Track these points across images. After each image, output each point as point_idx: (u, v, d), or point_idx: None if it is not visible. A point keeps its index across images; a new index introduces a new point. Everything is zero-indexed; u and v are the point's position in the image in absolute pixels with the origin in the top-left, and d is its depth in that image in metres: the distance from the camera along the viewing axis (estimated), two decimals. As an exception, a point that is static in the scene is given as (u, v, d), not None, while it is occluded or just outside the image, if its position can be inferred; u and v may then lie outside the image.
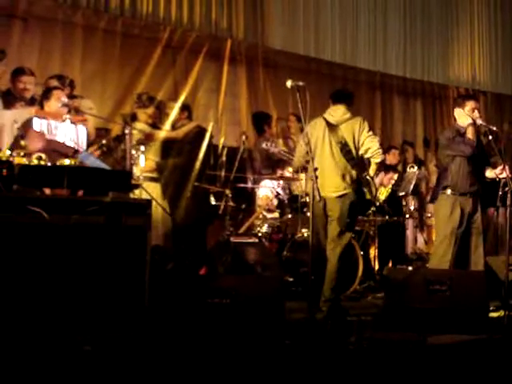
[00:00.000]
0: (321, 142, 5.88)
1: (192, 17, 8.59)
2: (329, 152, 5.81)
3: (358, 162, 5.86)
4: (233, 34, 8.96)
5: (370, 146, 5.81)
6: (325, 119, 5.92)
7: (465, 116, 6.00)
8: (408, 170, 8.71)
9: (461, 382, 3.78)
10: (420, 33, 11.37)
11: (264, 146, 6.86)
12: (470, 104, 6.06)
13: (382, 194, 8.48)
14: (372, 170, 5.97)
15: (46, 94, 5.89)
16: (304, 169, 6.46)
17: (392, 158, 9.15)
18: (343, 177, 5.75)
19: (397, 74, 11.05)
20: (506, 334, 4.98)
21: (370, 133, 5.87)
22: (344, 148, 5.79)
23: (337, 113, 5.88)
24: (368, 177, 5.96)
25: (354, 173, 5.81)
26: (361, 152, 5.85)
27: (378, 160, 5.90)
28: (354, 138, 5.82)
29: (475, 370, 3.99)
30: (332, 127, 5.80)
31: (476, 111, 6.02)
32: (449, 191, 5.95)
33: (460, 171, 5.92)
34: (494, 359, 4.28)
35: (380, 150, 5.85)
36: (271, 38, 9.36)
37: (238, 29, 9.00)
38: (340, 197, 5.73)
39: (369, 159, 5.91)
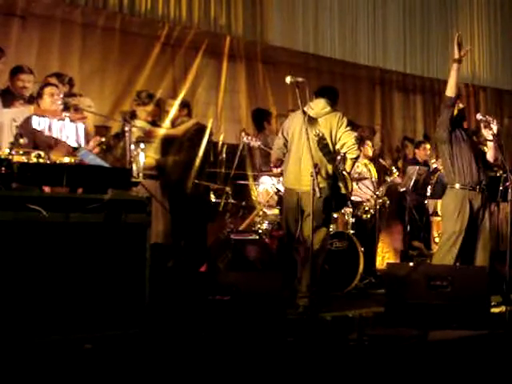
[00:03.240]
0: (298, 134, 5.88)
1: (191, 14, 8.56)
2: (305, 145, 5.75)
3: (335, 157, 5.88)
4: (232, 31, 8.93)
5: (346, 140, 5.83)
6: (304, 112, 5.86)
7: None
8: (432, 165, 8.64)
9: (462, 378, 3.77)
10: (419, 28, 11.34)
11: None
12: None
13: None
14: (348, 166, 5.97)
15: (39, 91, 5.88)
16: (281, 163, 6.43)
17: (423, 154, 9.10)
18: (319, 170, 5.66)
19: (396, 70, 11.02)
20: (508, 329, 4.97)
21: (348, 128, 5.88)
22: (321, 141, 5.78)
23: (317, 106, 5.87)
24: (344, 172, 5.97)
25: (329, 167, 5.82)
26: (337, 147, 5.86)
27: (353, 156, 5.90)
28: (331, 132, 5.84)
29: (477, 365, 3.99)
30: (310, 120, 5.76)
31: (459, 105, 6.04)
32: (458, 185, 5.86)
33: (467, 165, 5.84)
34: (496, 355, 4.27)
35: (355, 146, 5.86)
36: (270, 34, 9.33)
37: (237, 25, 8.97)
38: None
39: (345, 154, 5.91)
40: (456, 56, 5.77)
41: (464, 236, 5.72)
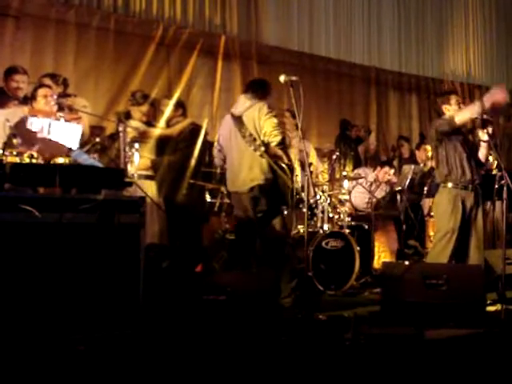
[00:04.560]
0: (228, 136, 5.81)
1: (185, 13, 8.57)
2: (235, 145, 5.70)
3: (267, 150, 5.63)
4: (227, 31, 8.94)
5: (265, 129, 5.60)
6: (231, 113, 5.82)
7: (454, 112, 5.95)
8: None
9: (458, 376, 3.76)
10: (415, 27, 11.36)
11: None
12: (453, 97, 6.02)
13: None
14: (282, 155, 5.68)
15: (33, 93, 5.87)
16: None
17: (423, 155, 9.10)
18: (250, 168, 5.60)
19: (392, 69, 11.04)
20: (503, 328, 4.96)
21: (267, 116, 5.62)
22: (249, 138, 5.63)
23: (239, 104, 5.78)
24: (282, 163, 5.70)
25: (263, 161, 5.62)
26: (262, 138, 5.63)
27: (275, 142, 5.61)
28: (255, 126, 5.64)
29: (473, 364, 3.98)
30: (236, 119, 5.70)
31: (461, 104, 5.99)
32: (450, 184, 5.85)
33: (460, 164, 5.83)
34: (492, 353, 4.26)
35: (275, 131, 5.60)
36: (265, 33, 9.34)
37: (232, 25, 8.98)
38: (251, 190, 5.63)
39: (269, 143, 5.63)
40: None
41: (457, 235, 5.72)
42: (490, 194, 6.13)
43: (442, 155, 5.87)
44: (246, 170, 5.67)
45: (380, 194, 8.46)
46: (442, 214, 5.88)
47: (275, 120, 5.65)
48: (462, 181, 5.78)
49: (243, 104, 5.75)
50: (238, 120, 5.66)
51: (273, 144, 5.61)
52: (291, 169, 5.83)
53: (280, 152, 5.67)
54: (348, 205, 7.83)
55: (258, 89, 5.87)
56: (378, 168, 8.64)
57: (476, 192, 5.83)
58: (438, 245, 5.86)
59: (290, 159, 5.84)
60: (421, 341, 4.49)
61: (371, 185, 8.14)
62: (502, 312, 5.25)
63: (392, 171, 8.59)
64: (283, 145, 5.72)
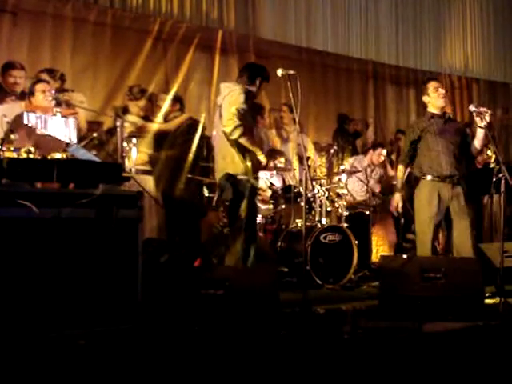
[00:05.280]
0: (214, 127, 5.83)
1: (182, 8, 8.54)
2: (217, 135, 5.70)
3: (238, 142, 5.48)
4: (224, 25, 8.91)
5: (224, 117, 5.45)
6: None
7: (433, 100, 5.94)
8: None
9: (457, 369, 3.76)
10: (412, 21, 11.32)
11: None
12: (431, 85, 5.99)
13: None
14: (245, 144, 5.49)
15: (31, 89, 5.86)
16: None
17: None
18: (223, 158, 5.57)
19: (389, 63, 11.01)
20: (502, 320, 4.97)
21: (231, 104, 5.43)
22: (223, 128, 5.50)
23: (220, 92, 5.74)
24: (248, 161, 5.56)
25: (233, 151, 5.50)
26: None
27: (227, 131, 5.40)
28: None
29: (471, 357, 3.99)
30: (219, 108, 5.67)
31: (440, 89, 5.95)
32: (429, 177, 5.85)
33: (436, 157, 5.82)
34: (490, 346, 4.27)
35: (229, 121, 5.39)
36: (262, 27, 9.31)
37: (229, 19, 8.94)
38: (222, 178, 5.63)
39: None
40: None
41: (435, 223, 5.74)
42: (488, 187, 6.13)
43: (421, 150, 5.89)
44: (220, 160, 5.66)
45: (375, 187, 8.48)
46: (418, 206, 5.92)
47: (233, 110, 5.42)
48: (438, 175, 5.79)
49: (222, 92, 5.69)
50: (220, 109, 5.65)
51: (227, 135, 5.46)
52: (255, 166, 5.63)
53: (239, 140, 5.45)
54: (346, 198, 7.83)
55: (245, 73, 5.79)
56: (371, 151, 8.61)
57: (455, 184, 5.82)
58: (421, 238, 5.86)
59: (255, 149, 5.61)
60: (419, 334, 4.49)
61: (366, 170, 8.13)
62: (500, 305, 5.25)
63: (384, 151, 8.59)
64: (235, 136, 5.46)
